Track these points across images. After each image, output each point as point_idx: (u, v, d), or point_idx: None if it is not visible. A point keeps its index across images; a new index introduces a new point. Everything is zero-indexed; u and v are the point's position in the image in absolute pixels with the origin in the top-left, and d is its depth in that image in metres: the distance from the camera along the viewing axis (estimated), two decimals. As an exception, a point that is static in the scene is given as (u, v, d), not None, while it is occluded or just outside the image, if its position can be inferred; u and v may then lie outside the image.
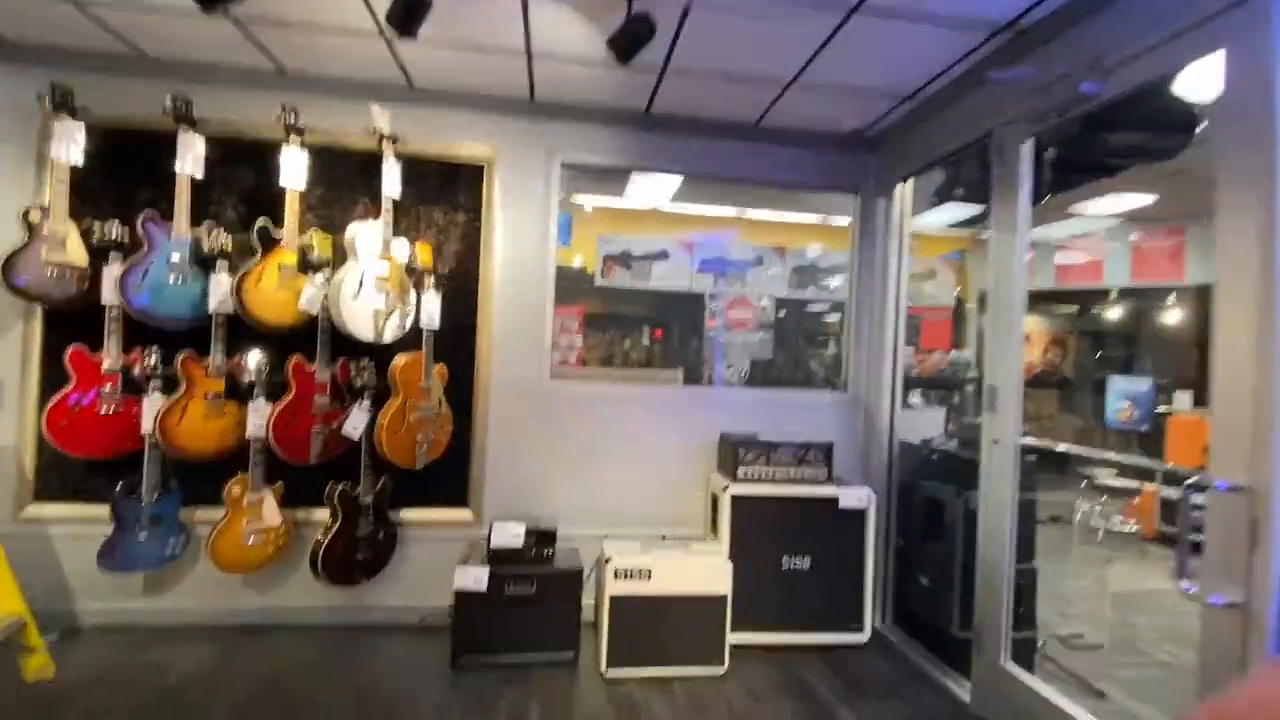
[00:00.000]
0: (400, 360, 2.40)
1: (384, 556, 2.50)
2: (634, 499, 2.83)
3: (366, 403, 2.38)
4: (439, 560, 2.52)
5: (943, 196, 3.29)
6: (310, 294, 2.32)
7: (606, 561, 2.28)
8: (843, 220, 3.52)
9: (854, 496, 2.59)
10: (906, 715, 2.13)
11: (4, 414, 2.39)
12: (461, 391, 2.67)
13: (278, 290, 2.32)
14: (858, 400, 3.04)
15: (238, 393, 2.32)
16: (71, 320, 2.32)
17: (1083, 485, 5.00)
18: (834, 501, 2.58)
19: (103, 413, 2.22)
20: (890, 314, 2.91)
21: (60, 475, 2.41)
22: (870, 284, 3.02)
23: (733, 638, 2.37)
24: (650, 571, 2.29)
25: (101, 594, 2.43)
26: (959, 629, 2.51)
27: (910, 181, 2.92)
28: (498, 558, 2.36)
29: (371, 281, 2.35)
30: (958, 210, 4.07)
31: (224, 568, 2.27)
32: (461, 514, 2.68)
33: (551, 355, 2.84)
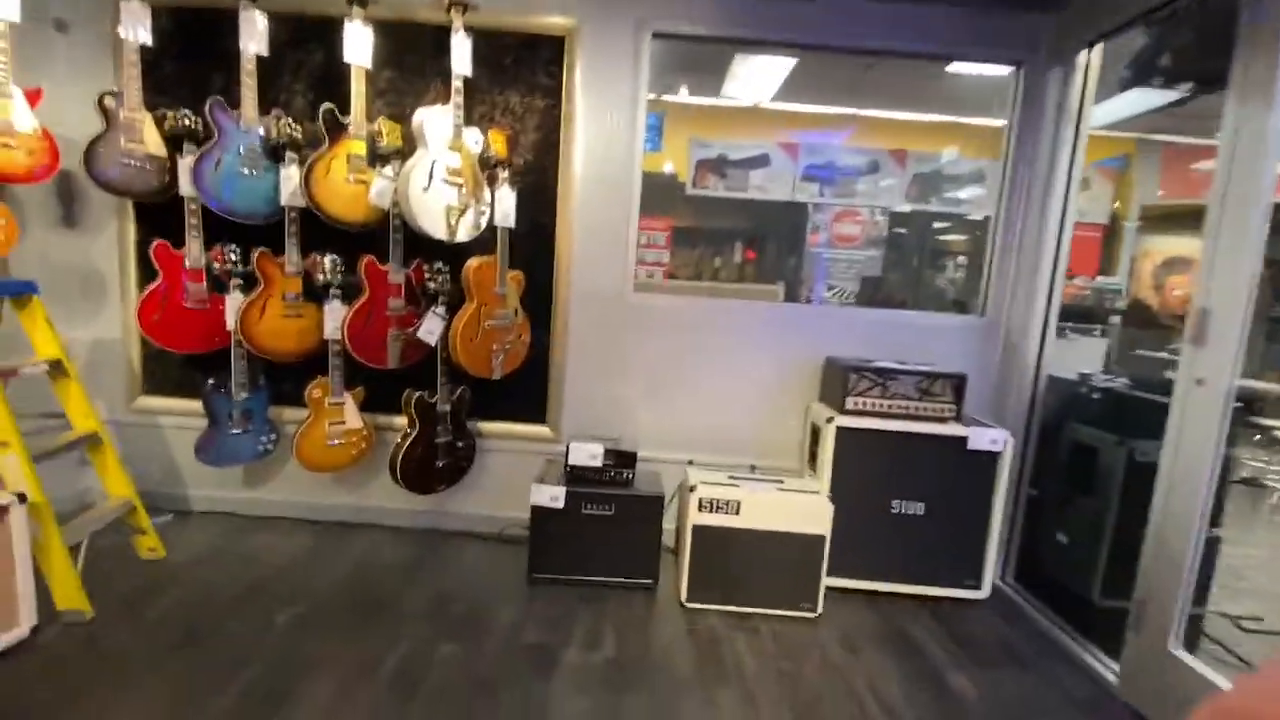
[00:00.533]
0: (473, 263, 2.20)
1: (463, 466, 2.43)
2: (721, 425, 2.58)
3: (441, 308, 2.23)
4: (518, 474, 2.43)
5: (1140, 72, 2.57)
6: (380, 187, 2.14)
7: (691, 489, 2.08)
8: (981, 120, 2.87)
9: (987, 438, 2.19)
10: (1036, 692, 1.83)
11: (110, 309, 2.46)
12: (539, 301, 2.47)
13: (348, 182, 2.16)
14: (996, 326, 2.56)
15: (316, 293, 2.23)
16: (157, 214, 2.30)
17: (1256, 438, 4.21)
18: (961, 442, 2.20)
19: (189, 307, 2.21)
20: (1052, 225, 2.36)
21: (163, 369, 2.48)
22: (1027, 187, 2.45)
23: (828, 581, 2.13)
24: (739, 504, 2.06)
25: (207, 482, 2.54)
26: (1101, 597, 2.13)
27: (1098, 49, 2.27)
28: (575, 477, 2.21)
29: (442, 173, 2.13)
30: (1147, 97, 3.24)
31: (309, 466, 2.28)
32: (539, 430, 2.55)
33: (635, 267, 2.56)
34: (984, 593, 2.28)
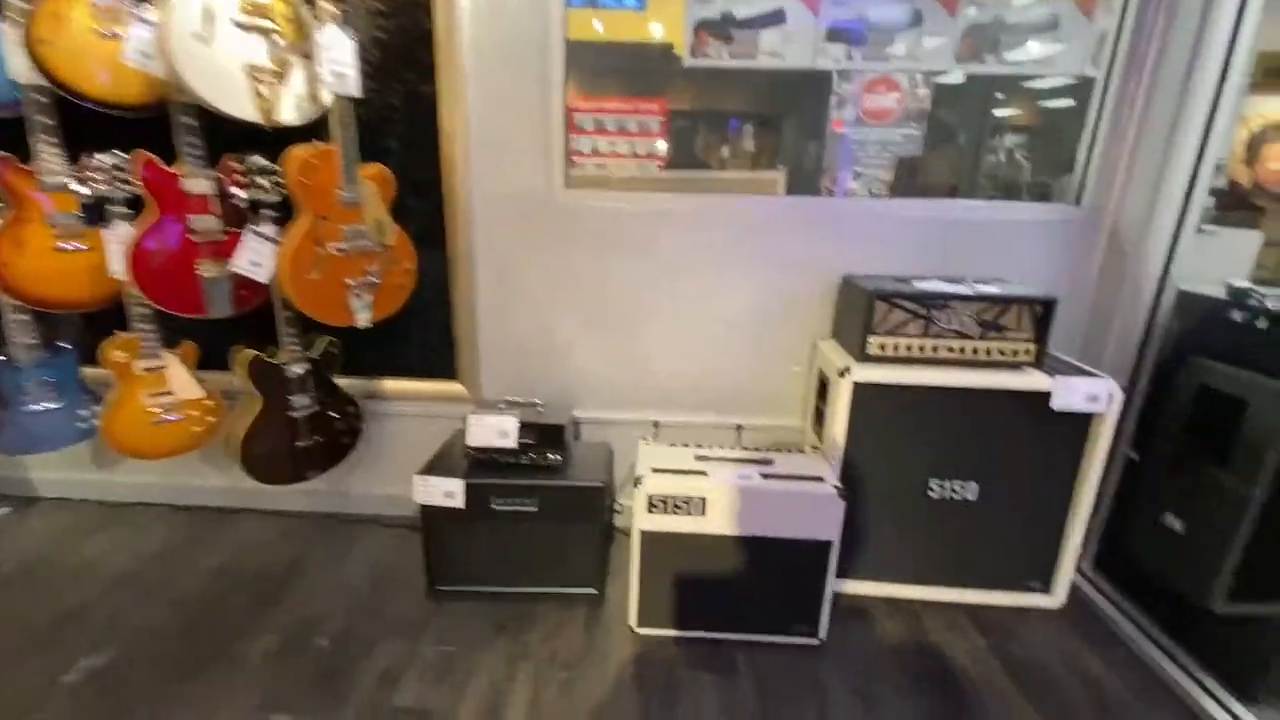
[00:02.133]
0: (297, 154, 1.46)
1: (344, 443, 1.83)
2: (698, 373, 1.90)
3: (268, 227, 1.53)
4: (433, 443, 1.82)
5: None
6: (137, 40, 1.38)
7: (637, 483, 1.43)
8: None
9: (1082, 392, 1.47)
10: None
11: None
12: (425, 211, 1.74)
13: (98, 37, 1.40)
14: (1097, 220, 1.74)
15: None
16: None
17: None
18: (1041, 400, 1.49)
19: (-87, 243, 1.55)
20: (1211, 59, 1.47)
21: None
22: (1156, 23, 1.55)
23: (840, 585, 1.53)
24: (704, 502, 1.42)
25: (54, 463, 2.01)
26: (1226, 603, 1.49)
27: None
28: (481, 463, 1.59)
29: (232, 10, 1.35)
30: None
31: (130, 453, 1.69)
32: (451, 388, 1.91)
33: (569, 155, 1.78)
34: (1056, 601, 1.65)
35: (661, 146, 2.55)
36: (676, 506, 1.42)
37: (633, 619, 1.52)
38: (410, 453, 1.76)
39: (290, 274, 1.47)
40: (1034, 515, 1.60)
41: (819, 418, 1.72)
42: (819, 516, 1.42)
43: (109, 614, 1.57)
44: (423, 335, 1.87)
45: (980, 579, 1.64)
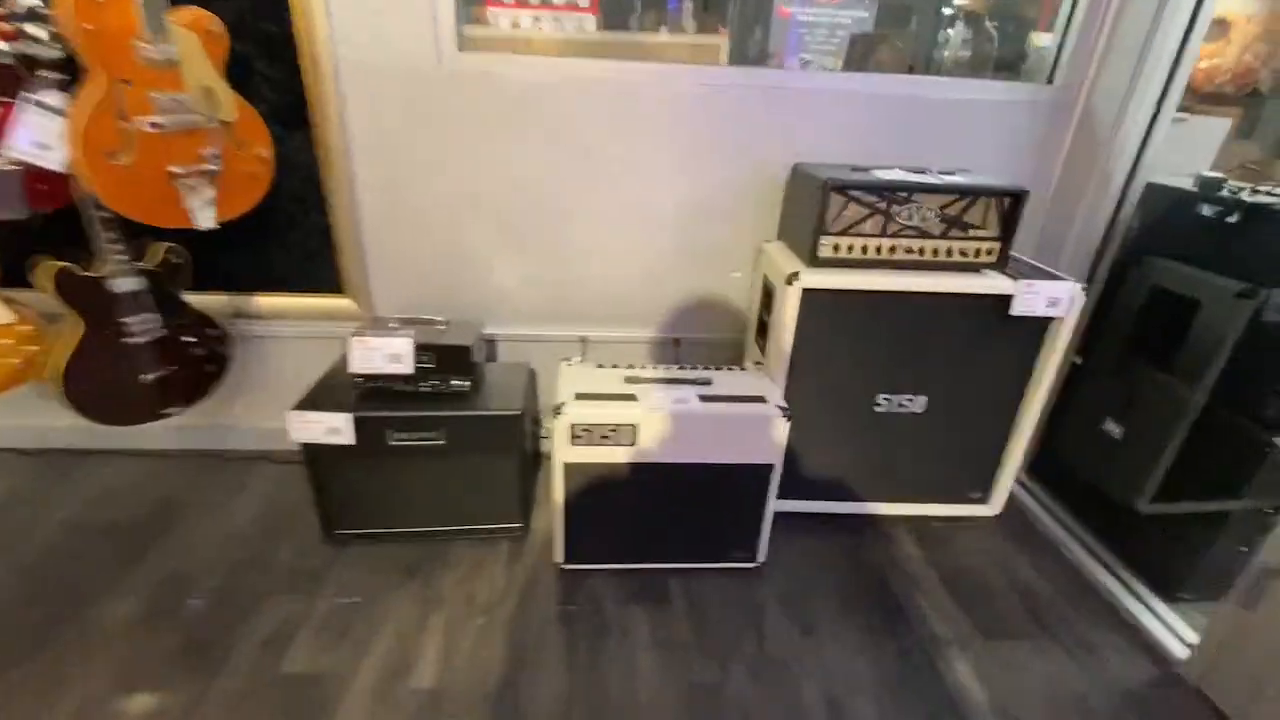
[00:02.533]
0: (73, -10, 1.06)
1: (208, 371, 1.54)
2: (629, 280, 1.68)
3: (53, 94, 1.15)
4: (320, 363, 1.55)
5: None
6: None
7: (558, 411, 1.24)
8: None
9: (1044, 297, 1.34)
10: (1064, 676, 1.24)
11: None
12: (280, 79, 1.37)
13: None
14: (1069, 101, 1.56)
15: None
16: None
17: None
18: (1001, 304, 1.36)
19: None
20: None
21: None
22: None
23: (780, 504, 1.43)
24: (635, 430, 1.25)
25: None
26: (1150, 504, 1.50)
27: None
28: (373, 393, 1.36)
29: None
30: None
31: (-77, 395, 1.36)
32: (340, 304, 1.62)
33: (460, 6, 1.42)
34: (993, 509, 1.63)
35: (591, 25, 2.12)
36: (604, 436, 1.25)
37: (559, 555, 1.38)
38: (301, 379, 1.49)
39: (87, 159, 1.11)
40: (980, 425, 1.52)
41: (762, 330, 1.55)
42: (761, 440, 1.28)
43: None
44: (300, 241, 1.55)
45: (922, 491, 1.59)
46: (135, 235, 1.31)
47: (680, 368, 1.45)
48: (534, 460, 1.67)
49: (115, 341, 1.35)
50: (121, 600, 1.28)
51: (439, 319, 1.44)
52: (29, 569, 1.36)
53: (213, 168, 1.24)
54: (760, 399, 1.31)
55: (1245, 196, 1.32)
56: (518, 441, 1.39)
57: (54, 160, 1.17)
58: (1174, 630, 1.31)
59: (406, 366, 1.32)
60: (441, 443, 1.36)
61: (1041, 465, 1.77)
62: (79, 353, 1.32)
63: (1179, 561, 1.40)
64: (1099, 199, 1.52)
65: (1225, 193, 1.37)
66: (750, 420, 1.27)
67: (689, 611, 1.33)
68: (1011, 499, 1.66)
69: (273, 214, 1.49)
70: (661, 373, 1.41)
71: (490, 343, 1.72)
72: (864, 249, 1.35)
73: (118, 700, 1.08)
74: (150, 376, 1.41)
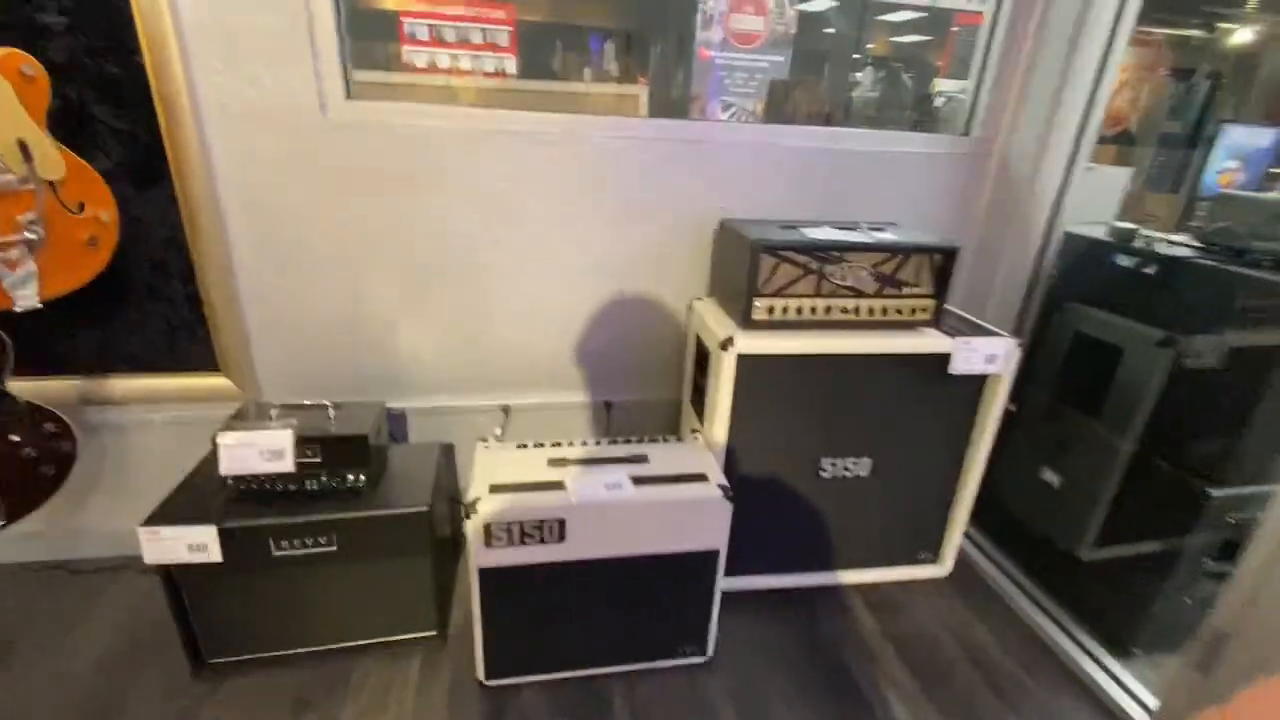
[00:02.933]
0: None
1: (45, 475, 1.27)
2: (551, 340, 1.54)
3: None
4: (196, 456, 1.32)
5: None
6: None
7: (469, 512, 1.08)
8: None
9: (982, 352, 1.31)
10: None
11: None
12: (130, 130, 1.17)
13: None
14: (987, 152, 1.57)
15: None
16: None
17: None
18: (939, 364, 1.31)
19: None
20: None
21: None
22: None
23: (727, 583, 1.30)
24: (562, 526, 1.10)
25: None
26: (1091, 549, 1.49)
27: None
28: (250, 494, 1.15)
29: None
30: None
31: None
32: (215, 383, 1.40)
33: (344, 45, 1.27)
34: (944, 569, 1.57)
35: (511, 66, 2.00)
36: (526, 535, 1.09)
37: (480, 671, 1.20)
38: (169, 472, 1.25)
39: None
40: (926, 485, 1.47)
41: (698, 393, 1.45)
42: (703, 524, 1.16)
43: None
44: (164, 312, 1.33)
45: (872, 557, 1.51)
46: (-66, 320, 1.07)
47: (612, 441, 1.32)
48: (453, 550, 1.49)
49: (-96, 453, 1.08)
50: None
51: (327, 403, 1.25)
52: None
53: (33, 236, 1.02)
54: (701, 477, 1.19)
55: (1161, 249, 1.34)
56: (425, 540, 1.21)
57: None
58: (1132, 693, 1.27)
59: (287, 464, 1.12)
60: (333, 549, 1.16)
61: (987, 516, 1.74)
62: None
63: (1127, 615, 1.38)
64: (1021, 248, 1.52)
65: (1140, 243, 1.39)
66: (690, 505, 1.14)
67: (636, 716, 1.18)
68: (961, 555, 1.61)
69: (129, 283, 1.27)
70: (590, 450, 1.27)
71: (400, 417, 1.53)
72: (799, 310, 1.27)
73: None
74: (-43, 491, 1.14)
